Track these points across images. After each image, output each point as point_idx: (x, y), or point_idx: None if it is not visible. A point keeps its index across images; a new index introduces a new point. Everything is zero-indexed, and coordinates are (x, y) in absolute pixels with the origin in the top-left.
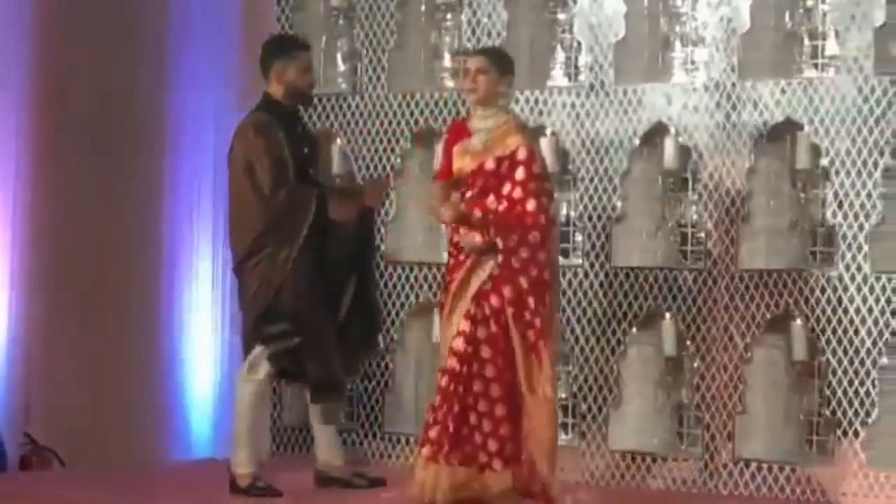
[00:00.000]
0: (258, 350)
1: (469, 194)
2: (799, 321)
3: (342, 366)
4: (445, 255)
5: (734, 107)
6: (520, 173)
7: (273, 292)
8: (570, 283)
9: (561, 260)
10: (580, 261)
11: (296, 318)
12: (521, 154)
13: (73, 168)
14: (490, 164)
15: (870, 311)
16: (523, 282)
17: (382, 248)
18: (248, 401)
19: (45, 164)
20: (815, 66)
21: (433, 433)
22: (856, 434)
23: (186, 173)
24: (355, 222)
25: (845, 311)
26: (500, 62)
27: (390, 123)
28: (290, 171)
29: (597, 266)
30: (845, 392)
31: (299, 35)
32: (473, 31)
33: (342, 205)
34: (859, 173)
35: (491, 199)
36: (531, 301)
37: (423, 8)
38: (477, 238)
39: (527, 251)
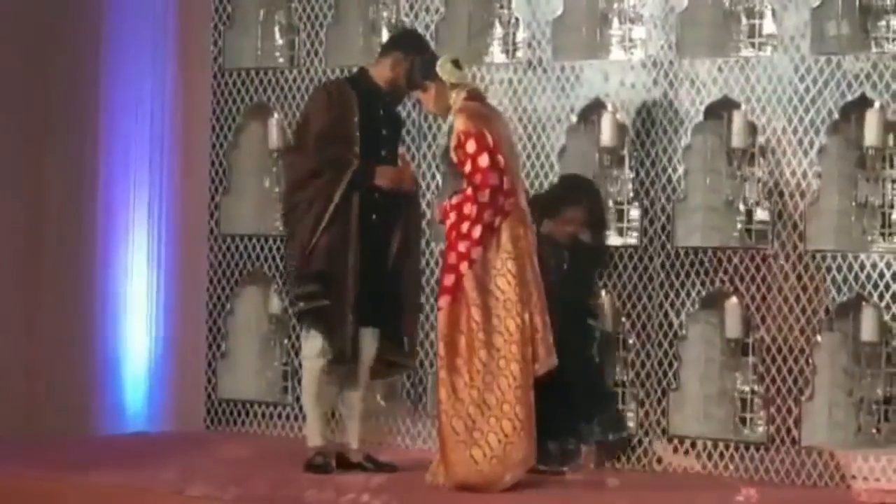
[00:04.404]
0: (309, 329)
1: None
2: (734, 298)
3: (391, 344)
4: None
5: (671, 84)
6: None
7: (304, 251)
8: None
9: None
10: None
11: (324, 280)
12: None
13: (4, 134)
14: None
15: (804, 289)
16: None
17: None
18: (307, 377)
19: None
20: (753, 44)
21: None
22: (789, 411)
23: (122, 140)
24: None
25: (780, 289)
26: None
27: None
28: (345, 138)
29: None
30: (779, 369)
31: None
32: (412, 7)
33: (388, 173)
34: (795, 152)
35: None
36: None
37: None
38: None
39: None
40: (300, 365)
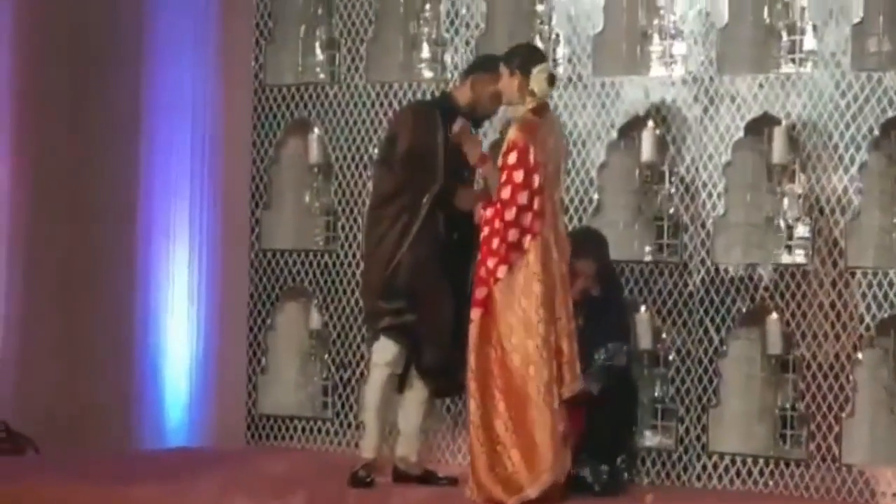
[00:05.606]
0: (384, 338)
1: None
2: (774, 315)
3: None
4: None
5: (712, 101)
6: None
7: (388, 266)
8: None
9: None
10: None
11: (412, 296)
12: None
13: (48, 151)
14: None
15: (844, 305)
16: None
17: None
18: (373, 385)
19: (20, 151)
20: (793, 60)
21: None
22: (829, 429)
23: (163, 155)
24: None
25: (820, 305)
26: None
27: (368, 113)
28: (431, 157)
29: None
30: (819, 386)
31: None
32: (452, 22)
33: (469, 195)
34: (835, 168)
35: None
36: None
37: None
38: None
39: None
40: (339, 376)
